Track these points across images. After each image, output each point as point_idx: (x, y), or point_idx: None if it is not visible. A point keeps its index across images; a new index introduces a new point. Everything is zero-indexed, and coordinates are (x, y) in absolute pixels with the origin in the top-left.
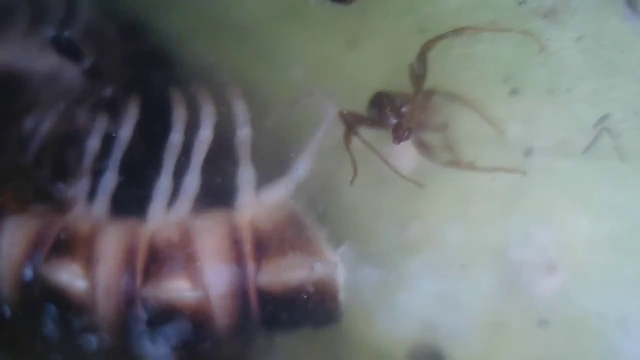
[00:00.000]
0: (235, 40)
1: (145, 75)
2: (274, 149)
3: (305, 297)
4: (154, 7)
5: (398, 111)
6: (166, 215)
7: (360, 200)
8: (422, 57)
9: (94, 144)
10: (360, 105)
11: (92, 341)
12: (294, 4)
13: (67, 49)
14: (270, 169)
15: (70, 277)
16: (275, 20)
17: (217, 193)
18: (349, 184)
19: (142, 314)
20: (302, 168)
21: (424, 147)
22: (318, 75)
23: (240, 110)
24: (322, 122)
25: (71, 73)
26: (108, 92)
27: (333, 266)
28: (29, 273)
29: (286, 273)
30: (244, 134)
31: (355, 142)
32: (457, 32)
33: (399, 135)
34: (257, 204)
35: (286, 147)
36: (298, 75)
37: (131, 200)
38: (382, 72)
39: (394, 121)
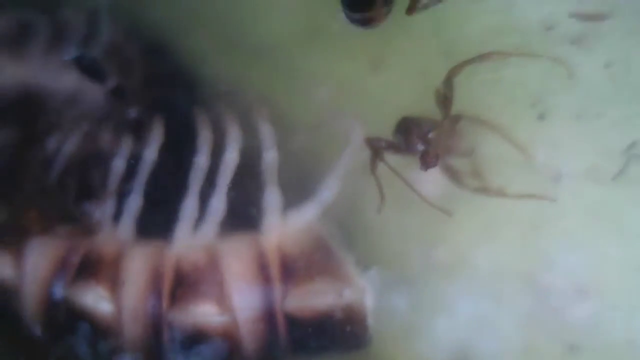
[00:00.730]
0: (260, 61)
1: (169, 96)
2: (299, 172)
3: (333, 322)
4: (177, 27)
5: (425, 137)
6: (192, 237)
7: (388, 224)
8: (449, 82)
9: (118, 165)
10: (385, 127)
11: None
12: (319, 25)
13: (90, 69)
14: (296, 192)
15: (95, 299)
16: (300, 42)
17: (243, 216)
18: (376, 208)
19: (169, 337)
20: (328, 191)
21: (451, 173)
22: (343, 97)
23: (267, 133)
24: (348, 145)
25: (93, 93)
26: (132, 113)
27: (361, 291)
28: (54, 295)
29: (314, 298)
30: (270, 156)
31: (382, 165)
32: (484, 56)
33: (426, 161)
34: (283, 227)
35: (312, 170)
36: (322, 97)
37: (156, 223)
38: (407, 94)
39: (421, 147)
